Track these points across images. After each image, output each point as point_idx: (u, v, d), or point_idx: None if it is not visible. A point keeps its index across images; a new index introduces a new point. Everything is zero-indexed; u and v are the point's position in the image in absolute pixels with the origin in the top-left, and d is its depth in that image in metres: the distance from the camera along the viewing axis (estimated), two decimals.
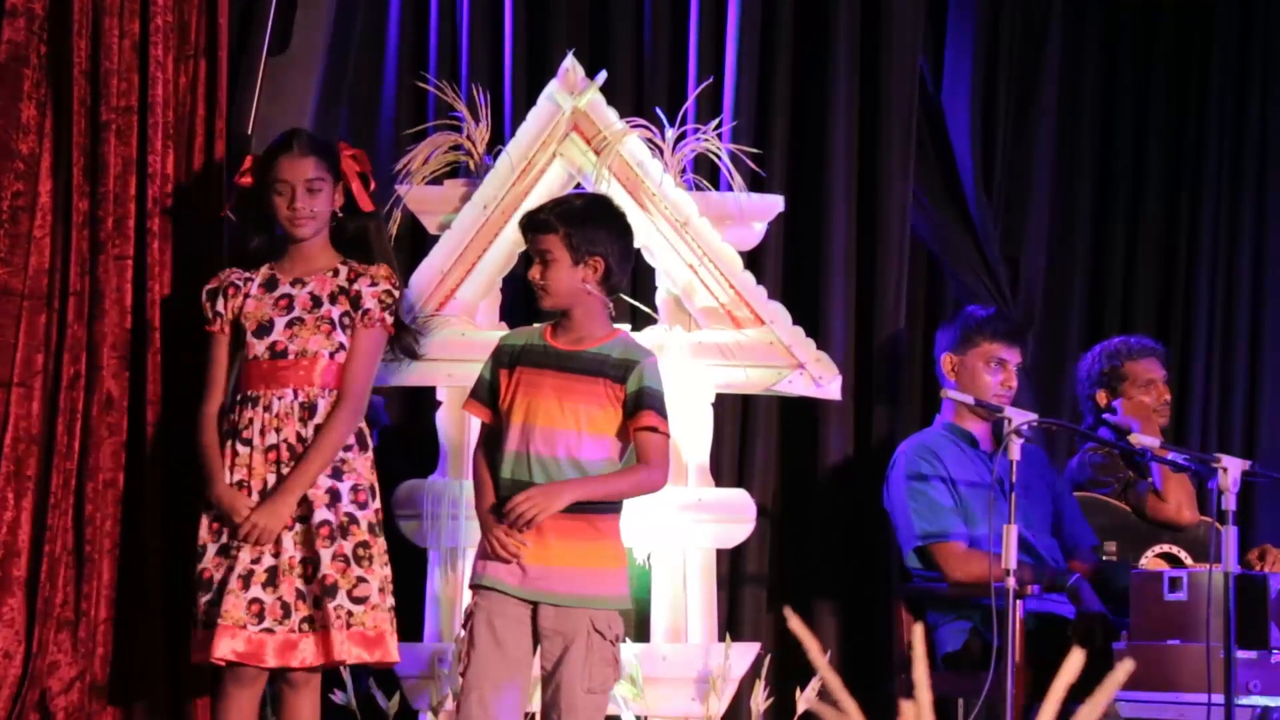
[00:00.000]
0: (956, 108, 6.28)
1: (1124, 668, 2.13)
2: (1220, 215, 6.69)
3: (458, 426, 5.31)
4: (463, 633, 4.44)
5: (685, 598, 5.29)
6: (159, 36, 4.98)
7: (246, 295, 4.63)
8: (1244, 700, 4.61)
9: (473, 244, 5.33)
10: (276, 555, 4.45)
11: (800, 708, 5.17)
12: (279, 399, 4.53)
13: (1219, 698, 4.53)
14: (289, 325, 4.58)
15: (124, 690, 4.89)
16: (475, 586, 4.43)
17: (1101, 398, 5.75)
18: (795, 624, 2.13)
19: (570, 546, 4.38)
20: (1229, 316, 6.67)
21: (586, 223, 4.45)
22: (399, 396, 5.63)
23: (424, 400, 5.48)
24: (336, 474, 4.51)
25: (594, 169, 5.32)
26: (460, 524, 5.22)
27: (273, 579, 4.44)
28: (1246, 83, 6.72)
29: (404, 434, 5.65)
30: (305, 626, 4.44)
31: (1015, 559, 4.76)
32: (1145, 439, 5.04)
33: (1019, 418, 4.88)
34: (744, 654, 5.27)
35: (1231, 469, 4.64)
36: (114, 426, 4.93)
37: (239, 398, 4.58)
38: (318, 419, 4.53)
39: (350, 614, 4.44)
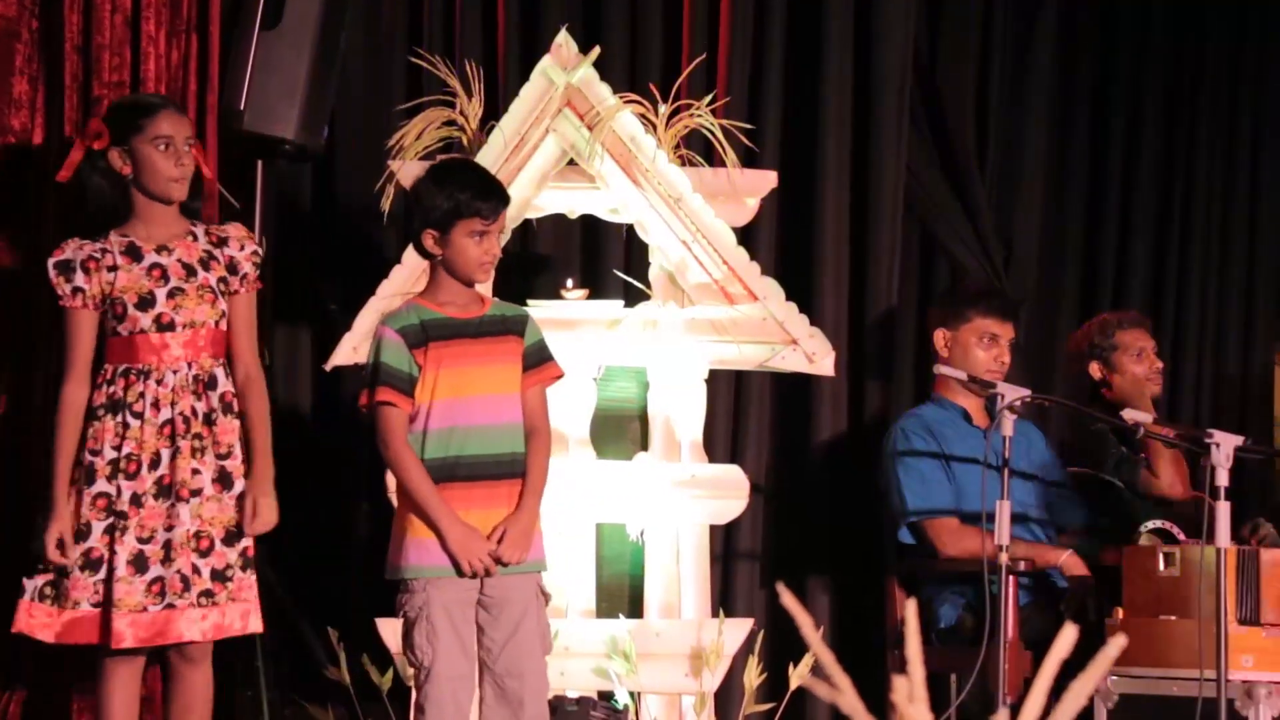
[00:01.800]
0: (950, 82, 6.27)
1: (1117, 643, 2.13)
2: (1214, 190, 6.68)
3: None
4: (422, 623, 4.31)
5: (678, 574, 5.29)
6: (151, 11, 4.97)
7: (112, 267, 4.38)
8: (1235, 675, 4.62)
9: None
10: (170, 529, 4.32)
11: (794, 684, 5.18)
12: (173, 372, 4.37)
13: (1211, 673, 4.54)
14: (170, 296, 4.38)
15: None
16: (415, 578, 4.33)
17: (1095, 370, 5.75)
18: (788, 600, 2.13)
19: (500, 516, 4.37)
20: (1223, 291, 6.67)
21: None
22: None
23: None
24: (226, 453, 4.42)
25: (587, 145, 5.31)
26: None
27: (169, 555, 4.31)
28: (1241, 57, 6.71)
29: None
30: (204, 600, 4.34)
31: (1008, 534, 4.77)
32: (1138, 415, 5.04)
33: (1011, 393, 4.88)
34: (737, 630, 5.28)
35: (1224, 444, 4.65)
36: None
37: (118, 370, 4.37)
38: (220, 390, 4.40)
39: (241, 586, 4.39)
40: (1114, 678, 4.79)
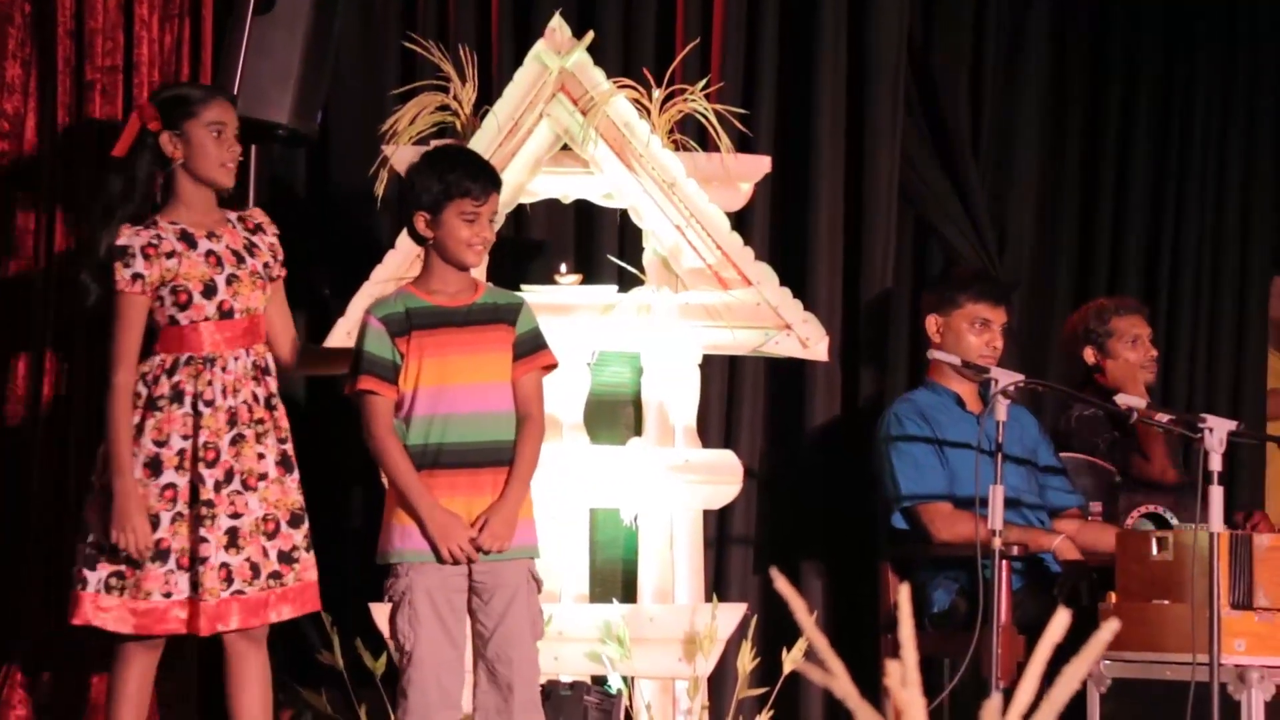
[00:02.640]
0: (944, 67, 6.27)
1: (1110, 627, 2.14)
2: (1208, 176, 6.69)
3: None
4: (404, 607, 4.32)
5: (672, 559, 5.30)
6: None
7: (171, 253, 4.38)
8: (1228, 659, 4.63)
9: None
10: (237, 517, 4.34)
11: (787, 668, 5.18)
12: (235, 360, 4.40)
13: (1204, 657, 4.54)
14: (228, 283, 4.41)
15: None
16: (399, 562, 4.33)
17: (1089, 355, 5.76)
18: (782, 584, 2.14)
19: (484, 504, 4.37)
20: (1216, 278, 6.68)
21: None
22: None
23: None
24: (284, 438, 4.45)
25: (581, 130, 5.31)
26: None
27: (234, 541, 4.34)
28: (1236, 41, 6.71)
29: None
30: (272, 582, 4.38)
31: (1002, 519, 4.77)
32: (1131, 399, 5.05)
33: (1005, 378, 4.89)
34: (731, 615, 5.28)
35: (1217, 429, 4.65)
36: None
37: (179, 360, 4.37)
38: (271, 378, 4.45)
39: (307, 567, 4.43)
40: (1107, 662, 4.79)
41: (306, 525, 4.45)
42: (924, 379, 5.64)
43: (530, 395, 4.43)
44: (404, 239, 5.28)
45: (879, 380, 6.08)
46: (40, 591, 4.95)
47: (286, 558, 4.41)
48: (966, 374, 5.41)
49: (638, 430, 5.38)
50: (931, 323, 5.55)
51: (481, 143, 5.30)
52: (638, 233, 5.46)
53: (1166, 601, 4.76)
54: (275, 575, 4.38)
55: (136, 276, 4.34)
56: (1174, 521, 5.45)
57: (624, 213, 5.46)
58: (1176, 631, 4.68)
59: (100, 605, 4.31)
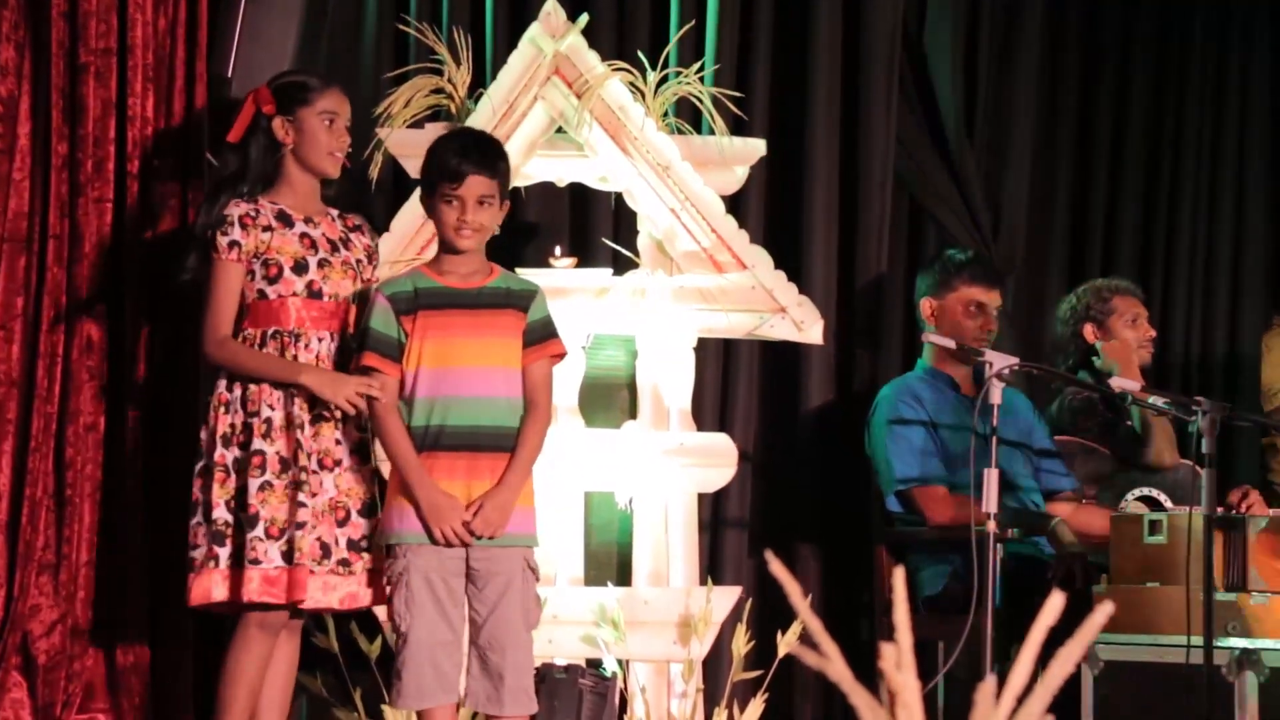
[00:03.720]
0: (938, 50, 6.27)
1: (1104, 610, 2.14)
2: (1202, 158, 6.69)
3: None
4: (401, 588, 4.32)
5: (667, 542, 5.30)
6: None
7: (268, 228, 4.45)
8: (1222, 642, 4.64)
9: None
10: (311, 496, 4.36)
11: (782, 651, 5.19)
12: (318, 340, 4.44)
13: (1198, 640, 4.55)
14: (320, 266, 4.46)
15: (106, 633, 4.90)
16: (398, 544, 4.33)
17: (1089, 332, 5.76)
18: (776, 567, 2.14)
19: (483, 488, 4.37)
20: (1210, 260, 6.68)
21: (506, 162, 4.50)
22: None
23: None
24: (364, 427, 4.48)
25: (575, 113, 5.30)
26: None
27: (303, 521, 4.34)
28: (1229, 22, 6.71)
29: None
30: (341, 569, 4.40)
31: (996, 503, 4.78)
32: (1126, 383, 5.05)
33: (999, 361, 4.89)
34: (725, 598, 5.29)
35: (1212, 412, 4.65)
36: (94, 370, 4.93)
37: (267, 333, 4.41)
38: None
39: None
40: (1101, 644, 4.80)
41: (378, 516, 4.45)
42: (918, 362, 5.64)
43: (538, 383, 4.43)
44: (399, 221, 5.28)
45: (873, 363, 6.08)
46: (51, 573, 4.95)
47: (356, 546, 4.41)
48: (961, 357, 5.42)
49: (632, 414, 5.38)
50: (926, 306, 5.55)
51: (476, 126, 5.30)
52: (632, 216, 5.46)
53: (1160, 584, 4.77)
54: (344, 562, 4.39)
55: (233, 244, 4.41)
56: (1168, 504, 5.45)
57: (619, 196, 5.46)
58: (1170, 614, 4.69)
59: (229, 581, 4.32)
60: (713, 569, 5.64)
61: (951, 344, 5.29)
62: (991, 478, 4.76)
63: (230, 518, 4.34)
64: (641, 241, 5.45)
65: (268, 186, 4.51)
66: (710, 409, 5.80)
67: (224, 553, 4.34)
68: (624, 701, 5.17)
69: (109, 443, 4.92)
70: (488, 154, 4.49)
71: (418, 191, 5.26)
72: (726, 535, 5.84)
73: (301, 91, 4.51)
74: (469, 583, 4.37)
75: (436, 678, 4.32)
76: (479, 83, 5.46)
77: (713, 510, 5.78)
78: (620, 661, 5.22)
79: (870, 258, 6.05)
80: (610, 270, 5.43)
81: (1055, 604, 2.09)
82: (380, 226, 5.32)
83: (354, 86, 5.75)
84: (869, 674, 2.27)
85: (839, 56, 6.05)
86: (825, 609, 5.80)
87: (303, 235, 4.47)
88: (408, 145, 5.37)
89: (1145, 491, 5.59)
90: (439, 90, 5.37)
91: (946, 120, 6.26)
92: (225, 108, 5.11)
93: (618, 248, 5.55)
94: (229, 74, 5.03)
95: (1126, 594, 4.78)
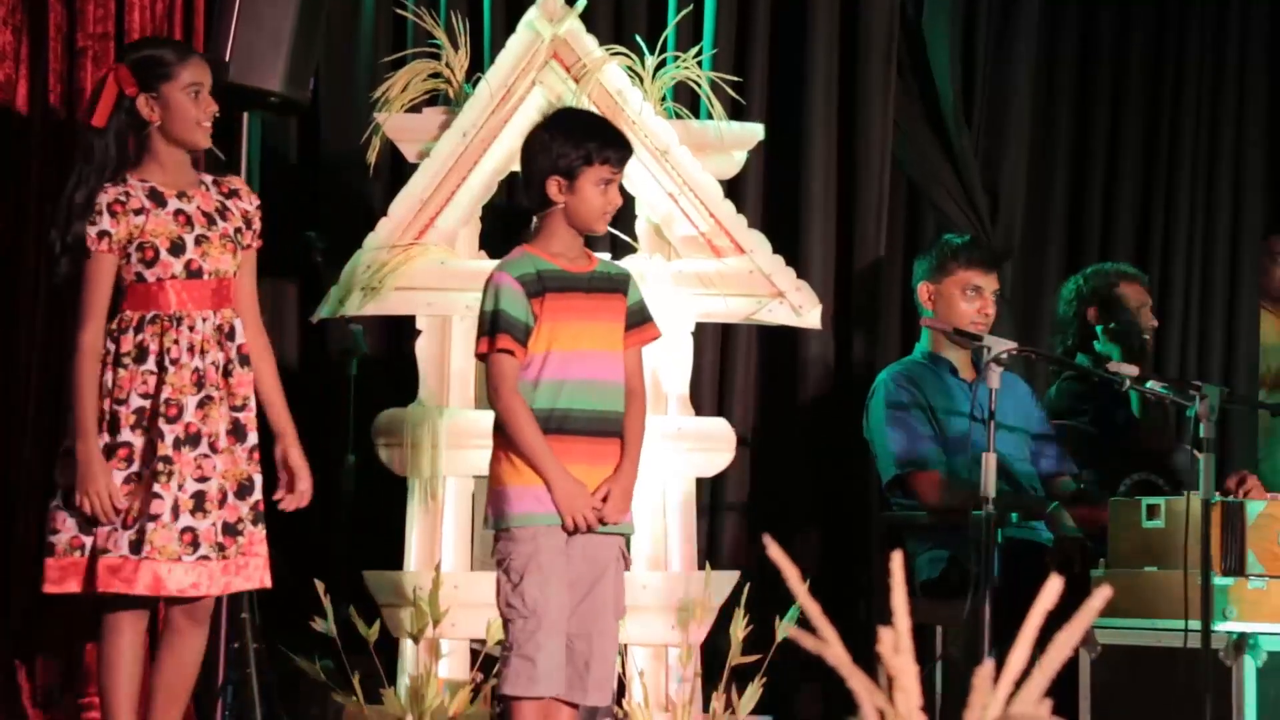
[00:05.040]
0: (936, 34, 6.26)
1: (1102, 594, 2.14)
2: (1200, 142, 6.68)
3: (438, 355, 5.31)
4: (534, 571, 4.27)
5: (665, 526, 5.30)
6: None
7: (139, 210, 4.31)
8: (1220, 626, 4.64)
9: (452, 172, 5.32)
10: (204, 480, 4.27)
11: (780, 635, 5.19)
12: (203, 320, 4.32)
13: (1196, 624, 4.55)
14: (197, 243, 4.33)
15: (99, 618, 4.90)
16: (524, 526, 4.30)
17: (1092, 315, 5.76)
18: (775, 552, 2.14)
19: (604, 474, 4.37)
20: (1209, 244, 6.68)
21: None
22: (377, 325, 5.62)
23: (402, 329, 5.48)
24: (239, 405, 4.38)
25: (574, 97, 5.29)
26: (440, 452, 5.22)
27: (200, 505, 4.26)
28: (1226, 4, 6.70)
29: (383, 363, 5.65)
30: (233, 553, 4.31)
31: (994, 487, 4.78)
32: (1124, 367, 5.05)
33: (998, 346, 4.89)
34: (724, 582, 5.29)
35: (1210, 396, 4.65)
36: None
37: (145, 317, 4.30)
38: (237, 341, 4.37)
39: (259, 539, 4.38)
40: (1098, 629, 4.80)
41: (256, 498, 4.35)
42: (916, 347, 5.64)
43: (636, 369, 4.43)
44: (398, 205, 5.28)
45: (871, 348, 6.08)
46: (31, 561, 4.94)
47: (231, 529, 4.31)
48: (959, 341, 5.41)
49: None
50: (923, 290, 5.55)
51: (474, 110, 5.30)
52: (630, 200, 5.45)
53: (1158, 569, 4.77)
54: (218, 547, 4.29)
55: (103, 234, 4.27)
56: (1166, 488, 5.46)
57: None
58: (1168, 598, 4.69)
59: (64, 569, 4.25)
60: (711, 553, 5.64)
61: (949, 328, 5.29)
62: (989, 462, 4.76)
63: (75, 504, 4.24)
64: (639, 226, 5.44)
65: (135, 165, 4.36)
66: (708, 393, 5.80)
67: (61, 539, 4.26)
68: (622, 686, 5.17)
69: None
70: (626, 138, 4.47)
71: (424, 174, 5.26)
72: (725, 519, 5.84)
73: (161, 66, 4.35)
74: (569, 567, 4.34)
75: (562, 664, 4.28)
76: (477, 67, 5.45)
77: (711, 495, 5.78)
78: (619, 646, 5.22)
79: (868, 242, 6.05)
80: (608, 255, 5.43)
81: (1053, 588, 2.09)
82: (378, 210, 5.32)
83: (351, 70, 5.76)
84: (867, 658, 2.27)
85: (837, 41, 6.05)
86: (823, 593, 5.79)
87: (177, 213, 4.33)
88: (405, 129, 5.37)
89: (1143, 476, 5.59)
90: (437, 75, 5.36)
91: (944, 104, 6.25)
92: (223, 93, 5.10)
93: (616, 232, 5.55)
94: (227, 59, 5.02)
95: (1124, 578, 4.78)
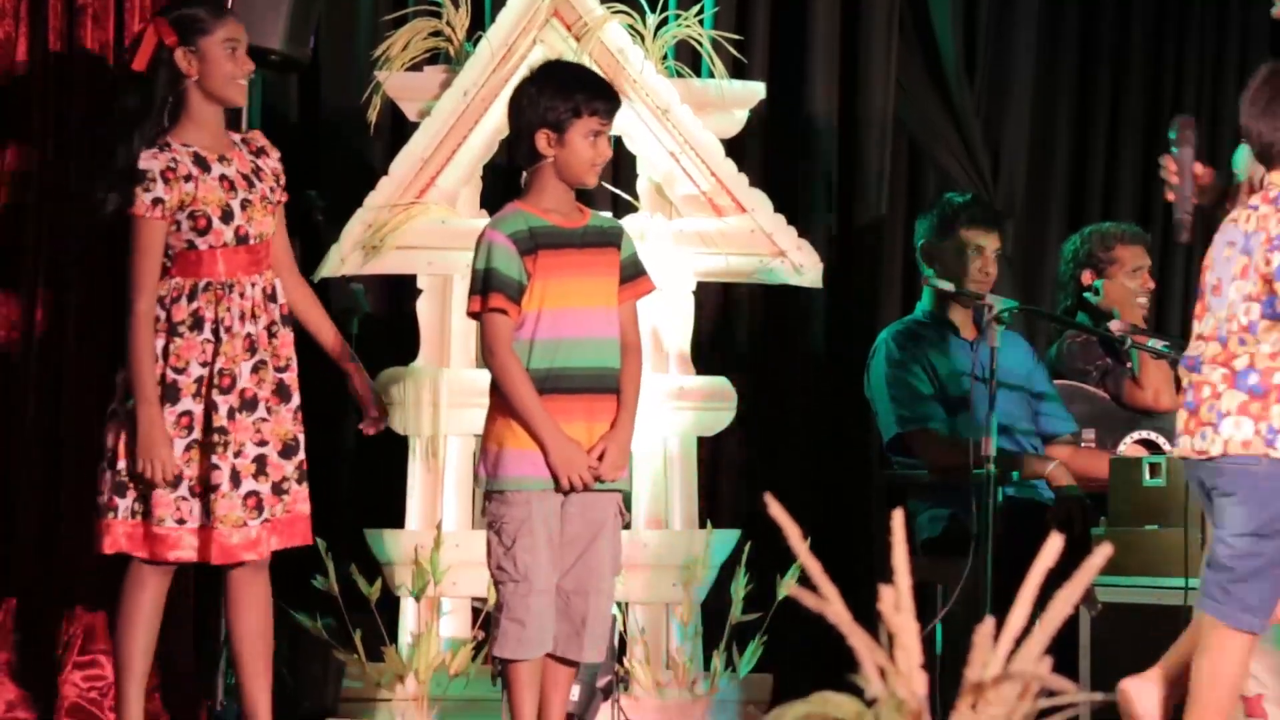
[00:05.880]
0: None
1: (1102, 552, 2.15)
2: (1203, 99, 6.67)
3: (438, 314, 5.31)
4: (525, 536, 4.26)
5: (666, 485, 5.31)
6: None
7: (188, 177, 4.34)
8: None
9: (453, 131, 5.31)
10: (262, 444, 4.35)
11: (781, 594, 5.20)
12: (251, 286, 4.38)
13: (1196, 582, 4.56)
14: (243, 208, 4.38)
15: (105, 577, 4.90)
16: (517, 489, 4.28)
17: (1087, 277, 5.75)
18: (776, 510, 2.14)
19: (602, 430, 4.35)
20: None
21: None
22: (378, 284, 5.61)
23: (403, 288, 5.47)
24: (283, 366, 4.44)
25: (575, 55, 5.28)
26: (441, 411, 5.22)
27: (262, 468, 4.35)
28: None
29: (384, 322, 5.65)
30: (279, 511, 4.38)
31: (995, 446, 4.78)
32: (1125, 325, 5.05)
33: (999, 305, 4.88)
34: (724, 540, 5.30)
35: None
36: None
37: (198, 285, 4.34)
38: (279, 301, 4.42)
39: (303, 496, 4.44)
40: (1099, 587, 4.81)
41: (300, 457, 4.42)
42: (918, 306, 5.64)
43: (632, 322, 4.39)
44: (399, 164, 5.27)
45: (872, 307, 6.08)
46: (36, 526, 4.95)
47: (277, 489, 4.38)
48: (961, 300, 5.41)
49: None
50: (925, 249, 5.54)
51: (474, 69, 5.29)
52: (632, 159, 5.45)
53: (1159, 527, 4.78)
54: (262, 507, 4.36)
55: (157, 201, 4.30)
56: (1167, 447, 5.46)
57: (618, 139, 5.45)
58: (1168, 557, 4.70)
59: (127, 531, 4.31)
60: (712, 512, 5.65)
61: (951, 287, 5.29)
62: (990, 421, 4.76)
63: (134, 469, 4.29)
64: (641, 185, 5.44)
65: (174, 122, 4.38)
66: (709, 352, 5.80)
67: (123, 504, 4.31)
68: (623, 644, 5.18)
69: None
70: (614, 89, 4.46)
71: (425, 133, 5.25)
72: (726, 478, 5.85)
73: (199, 21, 4.38)
74: (565, 525, 4.32)
75: (549, 626, 4.27)
76: (478, 25, 5.44)
77: (712, 453, 5.79)
78: (620, 604, 5.23)
79: (869, 201, 6.04)
80: (610, 214, 5.42)
81: (1054, 547, 2.09)
82: (379, 169, 5.31)
83: (352, 29, 5.74)
84: (868, 616, 2.27)
85: None
86: (824, 552, 5.80)
87: (221, 178, 4.37)
88: (406, 88, 5.36)
89: (1144, 434, 5.60)
90: (437, 33, 5.35)
91: (946, 63, 6.24)
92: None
93: (617, 191, 5.54)
94: None
95: (1125, 537, 4.79)
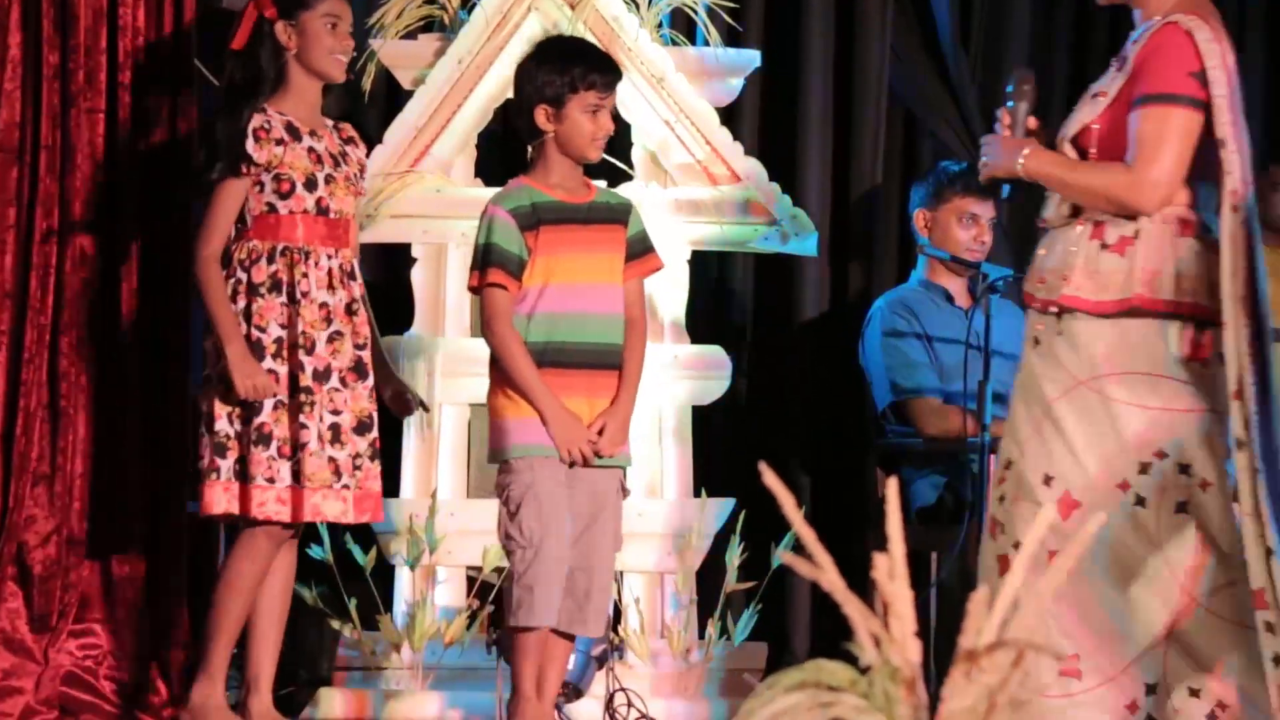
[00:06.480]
0: None
1: (1095, 520, 2.15)
2: None
3: (433, 283, 5.30)
4: (530, 501, 4.28)
5: (661, 454, 5.31)
6: None
7: (279, 141, 4.44)
8: None
9: (448, 99, 5.30)
10: (337, 413, 4.42)
11: (775, 562, 5.21)
12: (328, 257, 4.46)
13: None
14: (326, 182, 4.48)
15: (101, 544, 4.91)
16: (523, 456, 4.30)
17: None
18: (770, 479, 2.14)
19: (603, 406, 4.36)
20: None
21: None
22: (372, 253, 5.60)
23: (398, 257, 5.47)
24: (361, 344, 4.51)
25: (569, 24, 5.27)
26: (436, 380, 5.22)
27: (337, 435, 4.42)
28: None
29: (378, 291, 5.63)
30: (353, 485, 4.47)
31: (990, 414, 4.78)
32: None
33: (994, 273, 4.89)
34: (719, 509, 5.30)
35: None
36: (87, 282, 4.92)
37: (276, 249, 4.43)
38: (355, 283, 4.51)
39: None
40: None
41: (374, 434, 4.50)
42: (912, 274, 5.64)
43: (638, 299, 4.42)
44: (394, 132, 5.26)
45: (867, 275, 6.07)
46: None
47: (352, 463, 4.47)
48: (955, 269, 5.41)
49: None
50: (919, 217, 5.54)
51: (469, 37, 5.28)
52: (626, 128, 5.43)
53: None
54: (357, 476, 4.46)
55: (250, 161, 4.40)
56: None
57: (613, 109, 5.44)
58: None
59: (231, 494, 4.38)
60: (707, 481, 5.65)
61: (946, 255, 5.29)
62: (985, 389, 4.77)
63: (232, 430, 4.36)
64: (635, 154, 5.43)
65: (273, 95, 4.48)
66: (704, 321, 5.79)
67: (225, 465, 4.38)
68: (618, 612, 5.19)
69: (103, 354, 4.92)
70: (615, 63, 4.45)
71: (419, 101, 5.24)
72: (720, 447, 5.85)
73: None
74: (570, 499, 4.35)
75: (561, 595, 4.29)
76: None
77: (706, 422, 5.78)
78: (614, 573, 5.23)
79: (864, 170, 6.03)
80: (604, 183, 5.41)
81: (1047, 515, 2.10)
82: (374, 137, 5.30)
83: None
84: (862, 584, 2.28)
85: None
86: (818, 520, 5.80)
87: (310, 149, 4.47)
88: (401, 56, 5.35)
89: None
90: (431, 1, 5.33)
91: (942, 30, 6.23)
92: (215, 17, 5.09)
93: (612, 160, 5.53)
94: None
95: None
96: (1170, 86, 3.80)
